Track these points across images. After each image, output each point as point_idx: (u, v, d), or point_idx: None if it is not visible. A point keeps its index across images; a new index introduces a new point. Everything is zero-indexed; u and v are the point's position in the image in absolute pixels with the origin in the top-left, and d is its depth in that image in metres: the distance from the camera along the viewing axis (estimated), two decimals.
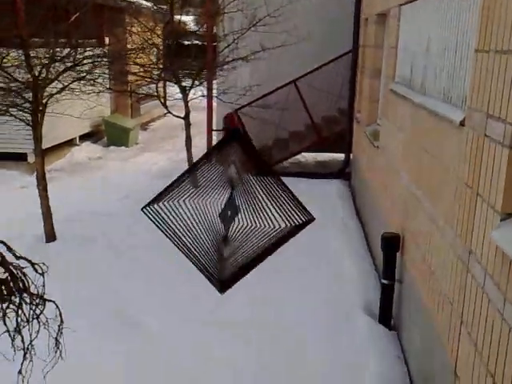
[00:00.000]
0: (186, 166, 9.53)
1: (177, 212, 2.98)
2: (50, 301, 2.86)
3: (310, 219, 2.82)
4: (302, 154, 12.03)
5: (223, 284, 2.80)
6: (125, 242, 7.25)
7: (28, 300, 2.75)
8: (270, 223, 2.77)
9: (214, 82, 10.80)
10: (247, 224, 2.83)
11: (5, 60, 6.97)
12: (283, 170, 11.01)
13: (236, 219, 2.89)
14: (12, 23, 7.32)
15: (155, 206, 3.01)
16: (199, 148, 11.70)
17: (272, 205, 2.85)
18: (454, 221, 3.32)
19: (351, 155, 10.75)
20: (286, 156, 11.21)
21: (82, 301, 5.38)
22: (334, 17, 10.87)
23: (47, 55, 7.00)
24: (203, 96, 10.22)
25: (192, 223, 2.96)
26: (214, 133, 10.79)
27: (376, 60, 8.08)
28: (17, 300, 2.84)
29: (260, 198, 2.80)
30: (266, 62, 9.98)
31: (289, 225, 2.79)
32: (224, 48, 9.70)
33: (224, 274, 2.82)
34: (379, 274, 5.91)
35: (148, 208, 2.98)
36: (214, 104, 11.00)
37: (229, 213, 2.91)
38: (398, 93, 5.61)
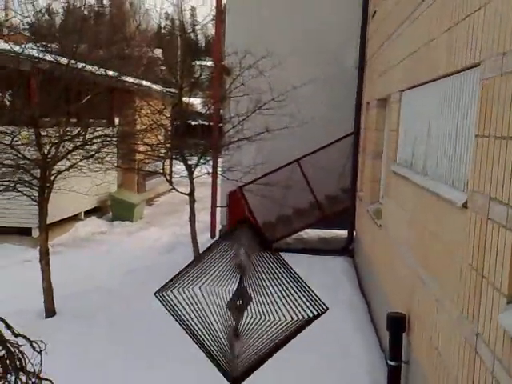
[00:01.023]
0: (189, 241, 9.55)
1: (188, 298, 2.95)
2: (47, 379, 2.79)
3: (323, 310, 2.78)
4: (306, 230, 12.08)
5: (236, 380, 2.70)
6: (125, 319, 7.12)
7: (24, 379, 2.69)
8: (282, 316, 2.70)
9: (219, 160, 11.04)
10: (258, 316, 2.76)
11: (15, 138, 7.17)
12: (287, 247, 11.01)
13: (248, 309, 2.82)
14: (25, 103, 7.59)
15: (168, 291, 2.98)
16: (203, 223, 11.77)
17: (283, 296, 2.80)
18: (460, 302, 3.28)
19: (354, 232, 10.78)
20: (290, 232, 11.26)
21: (78, 380, 5.22)
22: (336, 101, 11.27)
23: (57, 134, 7.21)
24: (208, 173, 10.41)
25: (202, 311, 2.91)
26: (218, 209, 10.88)
27: (377, 142, 8.28)
28: (12, 379, 2.78)
29: (271, 288, 2.75)
30: (271, 141, 10.23)
31: (301, 318, 2.73)
32: (230, 129, 9.99)
33: (236, 370, 2.72)
34: (385, 354, 5.75)
35: (160, 294, 2.96)
36: (219, 181, 11.18)
37: (239, 302, 2.84)
38: (400, 174, 5.70)
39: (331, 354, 6.10)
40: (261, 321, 2.70)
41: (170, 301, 2.94)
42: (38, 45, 9.51)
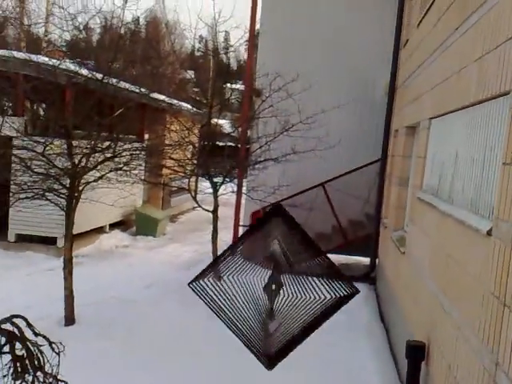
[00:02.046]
0: (210, 259, 9.59)
1: (222, 287, 3.02)
2: (63, 381, 2.83)
3: (355, 292, 2.83)
4: (328, 255, 12.01)
5: (271, 360, 2.75)
6: (143, 331, 7.16)
7: (42, 379, 2.73)
8: (315, 294, 2.76)
9: (244, 180, 11.11)
10: (292, 297, 2.83)
11: (48, 148, 7.37)
12: (306, 271, 10.96)
13: (281, 292, 2.89)
14: (59, 114, 7.81)
15: (201, 281, 3.05)
16: (225, 242, 11.80)
17: (316, 277, 2.86)
18: (480, 331, 3.23)
19: (377, 260, 10.68)
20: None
21: None
22: (364, 127, 11.30)
23: (88, 146, 7.38)
24: (233, 192, 10.48)
25: (237, 298, 2.98)
26: (240, 228, 10.91)
27: (404, 169, 8.25)
28: (30, 378, 2.83)
29: (305, 271, 2.82)
30: (297, 163, 10.26)
31: (333, 296, 2.78)
32: (256, 149, 10.07)
33: (271, 350, 2.78)
34: (403, 383, 5.65)
35: (194, 284, 3.02)
36: (243, 201, 11.23)
37: (273, 286, 2.92)
38: (426, 201, 5.67)
39: (348, 380, 6.03)
40: (293, 300, 2.77)
41: (204, 290, 3.01)
42: (74, 60, 9.81)
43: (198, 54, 45.00)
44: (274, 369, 2.86)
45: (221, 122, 18.11)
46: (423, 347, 4.81)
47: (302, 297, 2.84)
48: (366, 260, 11.07)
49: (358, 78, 11.45)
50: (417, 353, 4.82)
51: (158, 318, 7.18)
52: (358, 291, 2.84)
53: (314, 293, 2.79)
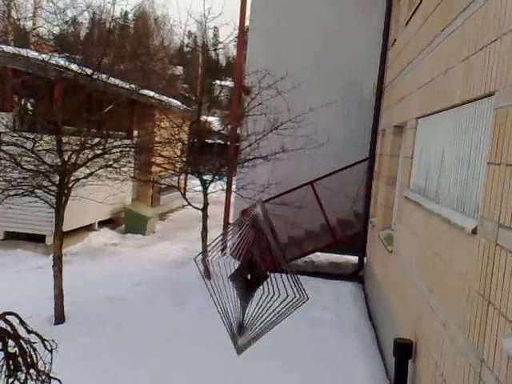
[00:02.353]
0: (200, 257, 9.61)
1: (221, 269, 3.21)
2: (56, 379, 2.85)
3: (305, 299, 3.09)
4: (316, 254, 12.08)
5: (240, 349, 3.01)
6: (132, 329, 7.18)
7: (34, 376, 2.75)
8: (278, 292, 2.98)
9: (234, 178, 11.14)
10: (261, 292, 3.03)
11: (37, 144, 7.35)
12: (297, 269, 11.02)
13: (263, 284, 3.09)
14: (48, 110, 7.78)
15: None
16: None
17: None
18: (465, 328, 3.30)
19: (365, 258, 10.76)
20: (301, 254, 11.26)
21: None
22: (353, 126, 11.40)
23: (78, 142, 7.37)
24: (222, 190, 10.51)
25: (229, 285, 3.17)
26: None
27: (391, 168, 8.33)
28: (22, 376, 2.85)
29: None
30: (286, 162, 10.31)
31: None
32: (246, 147, 10.10)
33: (243, 340, 3.02)
34: (390, 381, 5.73)
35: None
36: (232, 199, 11.26)
37: (248, 276, 3.11)
38: (413, 200, 5.74)
39: (336, 378, 6.09)
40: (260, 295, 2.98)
41: (205, 268, 3.25)
42: (63, 55, 9.78)
43: (187, 49, 44.90)
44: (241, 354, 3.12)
45: (210, 119, 18.10)
46: (410, 345, 4.88)
47: (267, 293, 3.05)
48: (355, 259, 11.16)
49: (346, 77, 11.53)
50: (404, 350, 4.88)
51: (148, 315, 7.20)
52: (307, 298, 3.10)
53: (277, 291, 3.02)
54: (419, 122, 6.11)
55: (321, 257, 12.56)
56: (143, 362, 6.16)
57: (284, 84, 10.10)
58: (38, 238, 11.68)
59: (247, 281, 3.09)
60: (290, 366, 6.24)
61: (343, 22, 11.59)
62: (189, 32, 44.35)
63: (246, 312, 3.10)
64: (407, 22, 7.67)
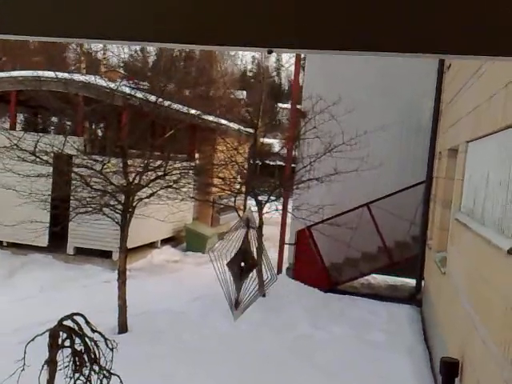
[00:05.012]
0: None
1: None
2: (116, 375, 3.20)
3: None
4: (373, 275, 12.07)
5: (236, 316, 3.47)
6: (191, 341, 7.53)
7: (97, 371, 3.11)
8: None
9: (290, 198, 11.40)
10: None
11: (105, 166, 7.94)
12: (353, 290, 11.08)
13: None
14: (116, 135, 8.40)
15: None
16: (272, 259, 12.08)
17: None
18: (502, 346, 3.40)
19: (423, 282, 10.69)
20: (356, 276, 11.31)
21: None
22: (409, 148, 11.41)
23: (142, 164, 7.90)
24: (277, 210, 10.77)
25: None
26: (286, 246, 11.19)
27: (447, 191, 8.35)
28: (87, 372, 3.22)
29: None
30: (341, 183, 10.47)
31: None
32: (300, 169, 10.36)
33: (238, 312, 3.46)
34: None
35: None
36: (289, 220, 11.51)
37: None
38: (462, 222, 5.82)
39: None
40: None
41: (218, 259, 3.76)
42: (130, 82, 10.45)
43: (249, 74, 45.95)
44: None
45: (270, 141, 18.48)
46: (457, 364, 4.94)
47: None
48: (413, 282, 11.10)
49: (402, 100, 11.59)
50: (450, 369, 4.95)
51: (205, 328, 7.54)
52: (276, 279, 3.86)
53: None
54: (469, 146, 6.19)
55: (378, 279, 12.53)
56: (199, 372, 6.48)
57: (339, 108, 10.31)
58: (105, 254, 12.35)
59: (241, 268, 3.59)
60: (339, 380, 6.37)
61: None
62: (252, 57, 45.40)
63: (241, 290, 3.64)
64: None
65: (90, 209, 7.77)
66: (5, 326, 7.79)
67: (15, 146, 7.61)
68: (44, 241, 12.05)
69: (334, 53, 1.13)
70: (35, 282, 10.62)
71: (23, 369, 3.25)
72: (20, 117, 18.27)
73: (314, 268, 10.97)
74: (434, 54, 1.07)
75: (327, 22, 1.09)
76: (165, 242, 15.13)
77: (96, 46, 26.58)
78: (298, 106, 11.95)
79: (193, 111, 9.94)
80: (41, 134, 8.71)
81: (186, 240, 15.71)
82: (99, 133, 13.12)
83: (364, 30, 1.06)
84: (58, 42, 1.31)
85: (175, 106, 9.14)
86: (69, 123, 15.24)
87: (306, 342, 7.92)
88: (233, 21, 1.13)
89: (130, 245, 8.39)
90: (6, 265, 11.63)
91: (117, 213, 7.88)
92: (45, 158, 7.75)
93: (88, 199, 7.79)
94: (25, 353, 3.34)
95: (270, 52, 1.16)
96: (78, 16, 1.17)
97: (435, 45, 1.04)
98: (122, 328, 7.74)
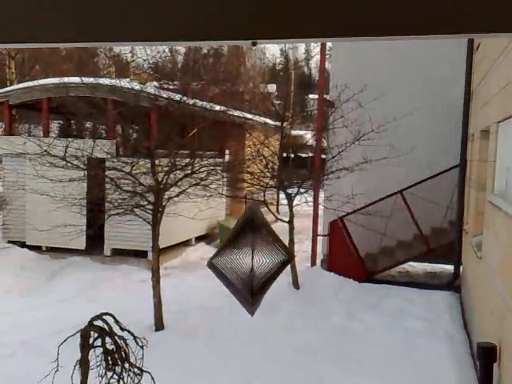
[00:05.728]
0: (288, 269, 9.87)
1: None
2: (147, 372, 3.24)
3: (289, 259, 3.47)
4: (411, 263, 11.90)
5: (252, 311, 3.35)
6: (224, 336, 7.58)
7: (128, 368, 3.16)
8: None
9: (321, 190, 11.32)
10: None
11: (134, 167, 8.05)
12: (391, 279, 10.95)
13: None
14: (143, 136, 8.50)
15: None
16: (306, 253, 12.04)
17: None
18: None
19: (461, 267, 10.49)
20: (393, 264, 11.17)
21: None
22: (440, 132, 11.16)
23: (169, 164, 7.98)
24: (306, 202, 10.70)
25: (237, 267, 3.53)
26: (319, 238, 11.13)
27: (480, 173, 8.14)
28: (119, 369, 3.27)
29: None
30: (372, 171, 10.33)
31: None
32: (329, 159, 10.27)
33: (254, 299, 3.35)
34: None
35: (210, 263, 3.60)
36: (321, 212, 11.43)
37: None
38: (496, 204, 5.67)
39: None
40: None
41: (219, 267, 3.63)
42: (157, 83, 10.54)
43: (279, 67, 45.79)
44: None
45: (302, 132, 18.41)
46: (494, 349, 4.84)
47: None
48: (452, 268, 10.89)
49: (431, 83, 11.34)
50: (487, 354, 4.86)
51: (239, 324, 7.57)
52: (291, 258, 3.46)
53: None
54: (500, 126, 6.02)
55: (416, 266, 12.35)
56: (233, 367, 6.53)
57: (366, 95, 10.16)
58: (141, 254, 12.54)
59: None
60: (377, 369, 6.32)
61: None
62: (280, 50, 45.19)
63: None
64: None
65: (122, 210, 7.90)
66: (47, 328, 8.01)
67: (45, 153, 7.79)
68: (82, 243, 12.32)
69: (318, 41, 1.12)
70: (75, 283, 10.88)
71: (57, 369, 3.33)
72: (55, 124, 18.69)
73: (348, 259, 10.87)
74: (460, 34, 1.05)
75: (308, 9, 1.07)
76: (199, 239, 15.26)
77: (124, 49, 26.98)
78: (326, 96, 11.83)
79: (217, 107, 9.96)
80: (70, 140, 8.87)
81: (219, 236, 15.80)
82: (131, 135, 13.29)
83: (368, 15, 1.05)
84: (82, 47, 1.35)
85: (201, 103, 9.18)
86: (102, 127, 15.52)
87: (341, 333, 7.89)
88: (215, 15, 1.12)
89: (163, 244, 8.50)
90: (45, 268, 11.94)
91: (147, 213, 7.98)
92: (75, 162, 7.90)
93: (119, 201, 7.91)
94: (58, 354, 3.43)
95: (254, 44, 1.14)
96: (77, 20, 1.20)
97: (460, 25, 1.02)
98: (159, 325, 7.85)
